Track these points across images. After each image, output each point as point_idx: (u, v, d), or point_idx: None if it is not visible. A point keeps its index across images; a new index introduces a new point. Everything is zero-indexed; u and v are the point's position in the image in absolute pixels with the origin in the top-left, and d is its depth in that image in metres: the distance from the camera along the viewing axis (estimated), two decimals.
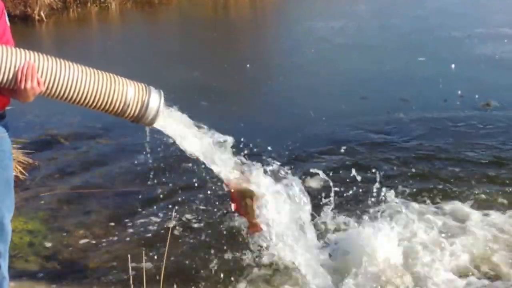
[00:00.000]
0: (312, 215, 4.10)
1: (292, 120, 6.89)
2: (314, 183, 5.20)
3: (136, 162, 5.62)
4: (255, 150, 6.02)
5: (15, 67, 2.73)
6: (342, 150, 5.95)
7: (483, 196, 4.95)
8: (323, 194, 4.63)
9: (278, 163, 5.63)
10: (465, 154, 5.77)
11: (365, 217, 4.49)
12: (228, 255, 4.20)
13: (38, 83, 2.77)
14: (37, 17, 13.16)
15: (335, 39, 10.88)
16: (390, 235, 4.15)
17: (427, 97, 7.47)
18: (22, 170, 5.54)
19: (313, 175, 5.28)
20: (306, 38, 11.13)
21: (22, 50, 2.80)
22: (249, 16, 14.91)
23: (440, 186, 5.15)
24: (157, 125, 3.20)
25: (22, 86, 2.74)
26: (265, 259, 4.09)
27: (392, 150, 5.94)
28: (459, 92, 7.50)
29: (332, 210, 4.55)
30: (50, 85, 2.83)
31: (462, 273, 3.99)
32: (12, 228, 3.31)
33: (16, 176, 5.18)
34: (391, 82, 8.26)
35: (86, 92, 2.90)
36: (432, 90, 7.72)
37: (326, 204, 4.53)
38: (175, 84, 8.05)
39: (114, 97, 2.97)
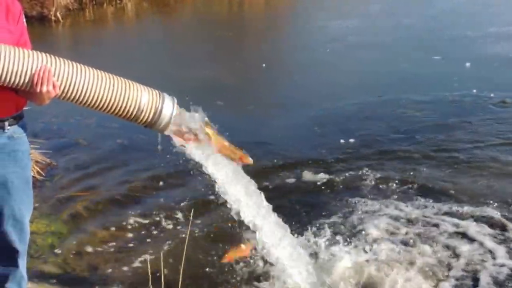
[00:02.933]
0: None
1: (307, 119, 6.90)
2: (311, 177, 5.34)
3: (155, 164, 5.64)
4: (270, 148, 6.07)
5: (31, 70, 2.75)
6: (357, 149, 6.00)
7: (501, 194, 4.97)
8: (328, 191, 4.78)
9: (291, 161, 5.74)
10: (482, 153, 5.76)
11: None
12: (246, 259, 4.15)
13: (54, 87, 2.79)
14: (53, 18, 13.25)
15: (349, 38, 10.88)
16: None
17: (442, 95, 7.46)
18: (39, 170, 5.57)
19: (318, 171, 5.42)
20: (321, 37, 11.14)
21: (39, 53, 2.82)
22: (263, 15, 14.93)
23: (456, 184, 5.18)
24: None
25: (38, 89, 2.76)
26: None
27: (407, 149, 5.94)
28: (475, 90, 7.48)
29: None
30: (66, 89, 2.85)
31: None
32: (35, 230, 3.30)
33: (33, 177, 5.24)
34: (406, 80, 8.25)
35: (100, 96, 2.93)
36: (447, 88, 7.70)
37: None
38: (191, 83, 8.09)
39: (128, 102, 2.99)
